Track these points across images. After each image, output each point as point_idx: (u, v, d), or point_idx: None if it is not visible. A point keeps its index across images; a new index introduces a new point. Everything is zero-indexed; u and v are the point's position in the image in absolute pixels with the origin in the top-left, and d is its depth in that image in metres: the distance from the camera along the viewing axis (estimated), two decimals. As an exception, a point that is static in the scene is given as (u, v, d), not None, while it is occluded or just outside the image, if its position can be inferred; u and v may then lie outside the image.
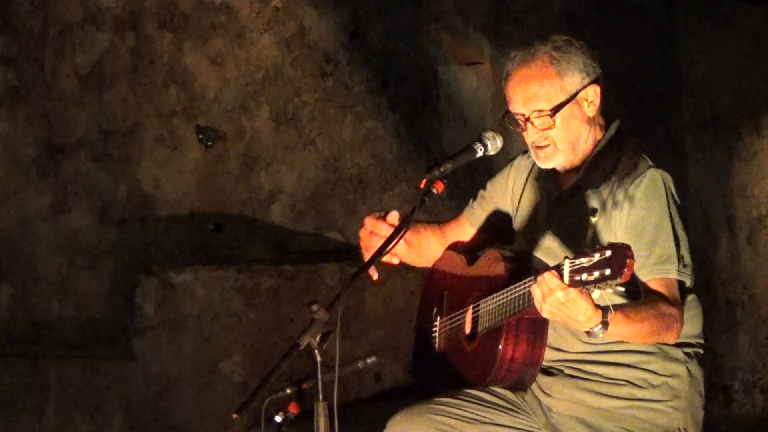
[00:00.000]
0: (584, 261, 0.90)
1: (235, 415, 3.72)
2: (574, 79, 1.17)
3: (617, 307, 1.01)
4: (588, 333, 1.03)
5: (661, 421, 1.19)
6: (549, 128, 1.16)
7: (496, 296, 1.20)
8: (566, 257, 0.94)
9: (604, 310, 1.01)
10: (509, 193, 1.37)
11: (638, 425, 1.20)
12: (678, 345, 1.19)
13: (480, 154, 1.22)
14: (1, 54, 5.33)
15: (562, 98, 1.17)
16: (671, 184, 1.15)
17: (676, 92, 3.38)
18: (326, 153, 7.40)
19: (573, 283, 0.91)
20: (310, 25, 8.64)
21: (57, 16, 5.26)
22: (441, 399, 1.28)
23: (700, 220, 3.29)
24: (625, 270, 0.86)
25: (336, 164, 9.09)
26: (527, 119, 1.18)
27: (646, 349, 1.18)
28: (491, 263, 1.26)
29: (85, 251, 6.64)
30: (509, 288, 1.15)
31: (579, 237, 1.11)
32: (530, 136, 1.19)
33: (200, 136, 5.62)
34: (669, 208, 1.14)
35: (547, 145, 1.18)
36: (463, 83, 9.96)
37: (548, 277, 0.95)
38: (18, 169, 6.05)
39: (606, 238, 1.11)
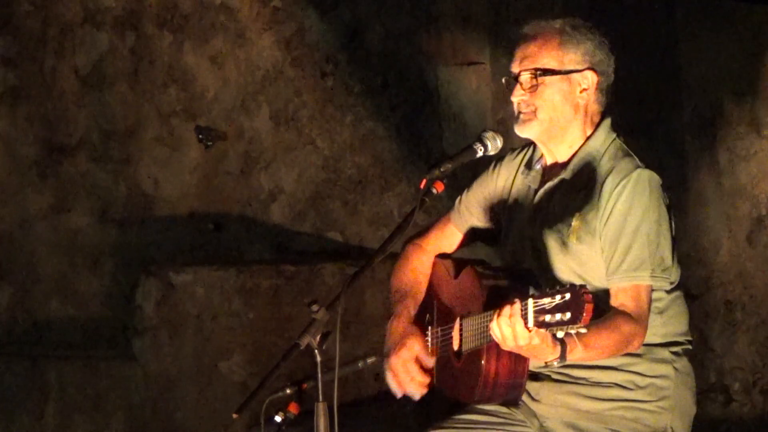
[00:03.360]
0: (546, 302, 0.90)
1: (235, 415, 3.71)
2: (574, 57, 1.17)
3: (576, 337, 1.02)
4: (547, 363, 1.05)
5: (648, 421, 1.19)
6: (531, 89, 1.15)
7: (476, 319, 1.19)
8: (531, 295, 0.94)
9: (563, 345, 1.02)
10: (497, 192, 1.36)
11: (625, 425, 1.20)
12: (664, 345, 1.19)
13: (480, 154, 1.21)
14: (1, 54, 5.33)
15: (553, 66, 1.17)
16: (658, 185, 1.15)
17: (676, 92, 3.38)
18: (326, 153, 7.40)
19: (538, 324, 0.91)
20: (310, 25, 8.64)
21: (57, 16, 5.26)
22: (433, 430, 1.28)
23: (700, 220, 3.29)
24: (584, 315, 0.86)
25: (336, 164, 9.09)
26: (516, 77, 1.18)
27: (635, 351, 1.18)
28: (471, 281, 1.24)
29: (85, 251, 6.63)
30: (486, 314, 1.14)
31: (563, 234, 1.11)
32: (515, 95, 1.18)
33: (200, 136, 5.62)
34: (651, 210, 1.14)
35: (527, 112, 1.18)
36: (463, 83, 9.95)
37: (514, 324, 0.96)
38: (18, 169, 6.05)
39: (588, 236, 1.11)
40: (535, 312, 0.91)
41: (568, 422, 1.21)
